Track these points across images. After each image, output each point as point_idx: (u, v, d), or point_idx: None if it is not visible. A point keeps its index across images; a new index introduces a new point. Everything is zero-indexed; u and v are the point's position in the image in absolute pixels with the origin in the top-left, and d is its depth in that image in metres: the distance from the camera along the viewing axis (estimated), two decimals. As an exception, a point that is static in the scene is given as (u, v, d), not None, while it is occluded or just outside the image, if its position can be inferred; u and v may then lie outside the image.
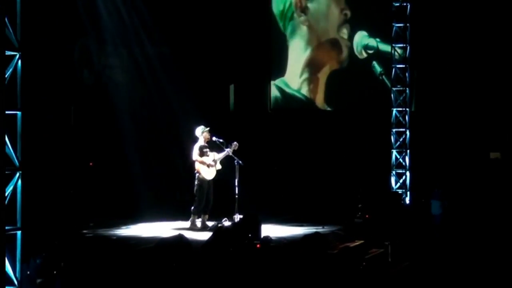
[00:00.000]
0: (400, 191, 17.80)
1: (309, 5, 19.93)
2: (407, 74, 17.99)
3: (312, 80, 20.04)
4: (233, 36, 19.67)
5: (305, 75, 20.03)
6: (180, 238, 10.25)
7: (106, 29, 18.46)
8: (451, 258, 12.86)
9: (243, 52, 19.79)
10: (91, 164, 17.95)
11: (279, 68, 20.19)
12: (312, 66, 20.06)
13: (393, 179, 17.97)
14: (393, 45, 18.08)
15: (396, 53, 18.07)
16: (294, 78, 20.14)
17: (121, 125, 18.53)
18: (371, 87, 19.63)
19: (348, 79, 19.89)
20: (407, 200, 17.83)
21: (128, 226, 15.83)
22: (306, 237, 11.94)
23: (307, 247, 11.41)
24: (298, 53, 20.12)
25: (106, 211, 17.02)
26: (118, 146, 18.21)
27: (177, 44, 19.36)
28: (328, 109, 20.10)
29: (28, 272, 8.98)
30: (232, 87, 19.85)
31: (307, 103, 20.06)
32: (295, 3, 19.92)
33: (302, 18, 19.99)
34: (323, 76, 20.01)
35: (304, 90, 20.04)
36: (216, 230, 11.63)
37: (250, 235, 11.87)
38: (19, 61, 8.82)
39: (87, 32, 18.16)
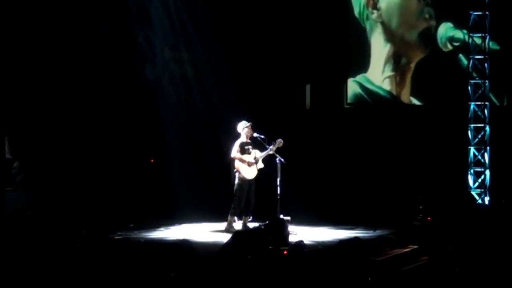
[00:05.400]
0: (478, 190, 16.74)
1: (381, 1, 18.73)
2: (486, 66, 16.96)
3: (395, 75, 18.80)
4: (310, 33, 18.67)
5: (388, 71, 18.81)
6: (183, 243, 9.49)
7: (173, 24, 17.95)
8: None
9: (319, 50, 18.76)
10: (152, 161, 17.50)
11: (361, 65, 19.00)
12: (395, 61, 18.82)
13: (470, 178, 16.89)
14: (471, 34, 17.09)
15: (474, 43, 17.06)
16: (376, 74, 18.92)
17: (191, 122, 18.06)
18: (456, 81, 18.31)
19: (430, 73, 18.60)
20: (486, 201, 16.72)
21: (168, 227, 15.29)
22: (342, 242, 11.08)
23: (342, 254, 10.56)
24: (379, 49, 18.91)
25: (157, 211, 16.61)
26: (178, 142, 17.61)
27: (251, 41, 18.51)
28: (415, 103, 18.74)
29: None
30: (308, 87, 18.90)
31: (390, 99, 18.82)
32: (366, 2, 18.77)
33: (375, 15, 18.79)
34: (407, 70, 18.79)
35: (387, 86, 18.83)
36: (234, 234, 10.81)
37: (275, 241, 11.06)
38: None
39: (150, 27, 17.70)
